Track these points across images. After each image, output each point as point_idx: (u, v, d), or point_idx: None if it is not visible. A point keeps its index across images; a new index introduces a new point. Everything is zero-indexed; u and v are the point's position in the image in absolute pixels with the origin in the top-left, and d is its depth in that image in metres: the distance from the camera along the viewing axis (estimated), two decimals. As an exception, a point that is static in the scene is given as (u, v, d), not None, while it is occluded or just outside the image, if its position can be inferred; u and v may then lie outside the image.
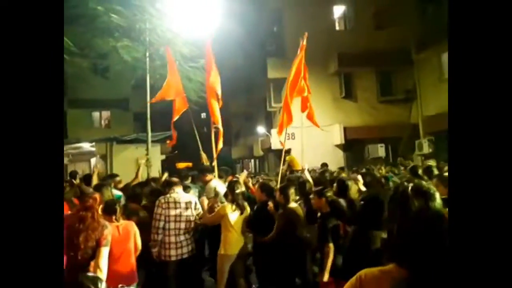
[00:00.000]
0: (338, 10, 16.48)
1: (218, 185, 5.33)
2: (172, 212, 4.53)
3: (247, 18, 17.80)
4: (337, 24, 16.56)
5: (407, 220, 1.43)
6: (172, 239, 4.52)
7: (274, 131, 16.27)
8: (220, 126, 6.61)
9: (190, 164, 25.45)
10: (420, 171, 5.54)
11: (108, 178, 5.99)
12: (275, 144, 15.70)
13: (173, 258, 4.51)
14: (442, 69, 13.74)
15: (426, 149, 13.62)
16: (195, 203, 4.79)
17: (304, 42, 6.79)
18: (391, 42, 14.95)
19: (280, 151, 16.03)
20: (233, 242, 4.50)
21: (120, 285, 3.10)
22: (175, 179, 5.01)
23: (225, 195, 4.76)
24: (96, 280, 1.75)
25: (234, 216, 4.52)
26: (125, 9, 8.19)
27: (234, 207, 4.54)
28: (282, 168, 7.01)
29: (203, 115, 32.28)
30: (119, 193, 5.13)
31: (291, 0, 15.64)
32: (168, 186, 4.76)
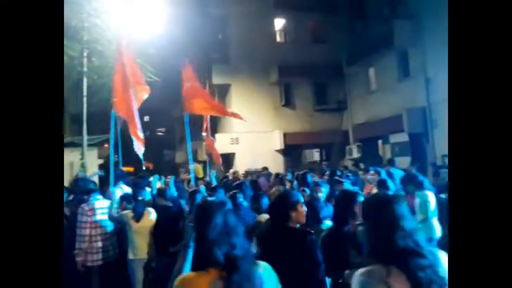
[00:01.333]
0: (279, 23, 16.65)
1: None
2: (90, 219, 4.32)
3: (192, 24, 17.41)
4: (278, 36, 16.71)
5: None
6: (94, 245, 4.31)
7: (218, 136, 15.95)
8: None
9: (131, 168, 24.23)
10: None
11: None
12: (220, 148, 15.44)
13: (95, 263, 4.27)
14: (369, 82, 14.46)
15: (355, 154, 14.17)
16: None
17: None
18: (326, 56, 15.52)
19: (225, 155, 15.88)
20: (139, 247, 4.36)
21: None
22: (92, 187, 4.84)
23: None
24: None
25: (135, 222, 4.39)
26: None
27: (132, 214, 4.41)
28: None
29: (146, 118, 31.09)
30: None
31: (235, 9, 15.50)
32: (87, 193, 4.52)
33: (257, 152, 14.49)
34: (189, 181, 6.85)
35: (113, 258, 4.41)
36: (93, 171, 7.72)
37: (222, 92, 16.84)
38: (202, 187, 5.79)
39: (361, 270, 1.42)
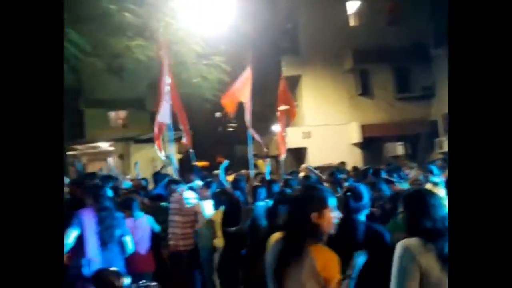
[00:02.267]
0: (352, 6, 15.97)
1: None
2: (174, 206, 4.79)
3: (260, 15, 17.57)
4: (351, 20, 16.03)
5: None
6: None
7: (289, 130, 15.92)
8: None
9: (206, 163, 25.38)
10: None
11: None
12: (291, 143, 15.39)
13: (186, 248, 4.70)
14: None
15: (447, 147, 13.02)
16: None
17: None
18: (408, 38, 14.52)
19: (296, 150, 15.79)
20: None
21: (141, 282, 3.24)
22: (178, 178, 5.48)
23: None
24: (119, 274, 1.93)
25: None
26: (138, 7, 8.02)
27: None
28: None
29: (218, 114, 32.24)
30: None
31: (305, -4, 15.24)
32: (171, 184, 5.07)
33: (331, 146, 14.17)
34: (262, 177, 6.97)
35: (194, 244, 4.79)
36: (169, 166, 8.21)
37: (293, 83, 16.73)
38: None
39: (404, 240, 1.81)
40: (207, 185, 4.87)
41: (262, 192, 4.38)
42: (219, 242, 4.49)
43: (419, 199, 1.89)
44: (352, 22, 16.00)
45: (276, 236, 1.96)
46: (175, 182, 5.07)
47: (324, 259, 1.77)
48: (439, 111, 14.31)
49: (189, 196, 4.73)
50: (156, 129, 6.49)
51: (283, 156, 7.74)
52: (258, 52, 19.41)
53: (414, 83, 15.27)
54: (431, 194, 1.94)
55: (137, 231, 4.03)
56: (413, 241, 1.78)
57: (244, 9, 12.83)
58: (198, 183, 5.70)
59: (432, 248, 1.72)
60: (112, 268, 2.32)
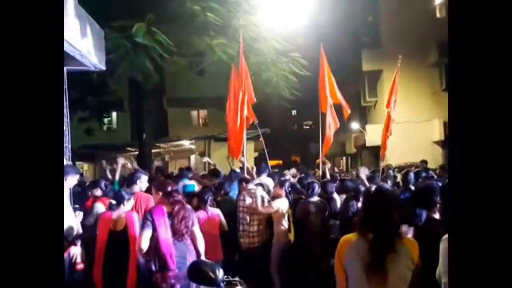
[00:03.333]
0: (441, -4, 15.31)
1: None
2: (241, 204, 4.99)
3: (340, 7, 17.47)
4: (437, 11, 15.41)
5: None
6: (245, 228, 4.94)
7: (369, 127, 15.81)
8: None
9: (280, 161, 25.72)
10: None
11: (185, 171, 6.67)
12: (370, 140, 15.26)
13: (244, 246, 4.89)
14: None
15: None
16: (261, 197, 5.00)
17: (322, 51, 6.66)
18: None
19: (375, 148, 15.55)
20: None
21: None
22: (247, 176, 5.57)
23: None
24: (215, 266, 1.95)
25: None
26: (221, 6, 8.41)
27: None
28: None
29: (294, 112, 32.57)
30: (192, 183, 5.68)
31: (388, -14, 15.01)
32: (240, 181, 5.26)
33: (412, 144, 13.85)
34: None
35: (266, 241, 4.91)
36: (250, 164, 8.56)
37: (373, 79, 16.55)
38: None
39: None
40: (280, 184, 5.00)
41: (315, 187, 4.74)
42: (291, 236, 4.80)
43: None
44: (438, 14, 15.40)
45: (350, 237, 2.09)
46: (246, 180, 5.24)
47: (416, 250, 2.01)
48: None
49: (263, 195, 4.90)
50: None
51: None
52: (337, 45, 19.47)
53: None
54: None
55: (209, 222, 4.32)
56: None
57: (323, 1, 12.84)
58: (264, 180, 5.79)
59: None
60: (207, 261, 2.35)
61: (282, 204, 4.74)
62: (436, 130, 14.44)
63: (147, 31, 7.91)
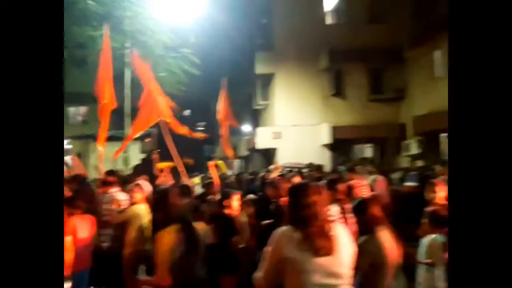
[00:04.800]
0: (330, 3, 16.50)
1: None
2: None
3: (235, 8, 17.70)
4: (328, 18, 16.51)
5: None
6: None
7: (260, 130, 16.39)
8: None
9: (171, 164, 25.01)
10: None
11: None
12: (261, 143, 15.85)
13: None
14: (433, 67, 14.06)
15: (414, 149, 13.93)
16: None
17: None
18: (384, 38, 15.11)
19: (266, 150, 16.18)
20: None
21: None
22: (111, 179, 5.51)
23: None
24: None
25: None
26: None
27: None
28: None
29: (187, 112, 32.13)
30: None
31: (281, -10, 15.69)
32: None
33: (301, 147, 14.63)
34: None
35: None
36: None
37: (265, 82, 17.13)
38: None
39: None
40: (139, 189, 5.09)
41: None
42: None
43: None
44: (329, 20, 16.49)
45: (284, 229, 2.27)
46: (108, 182, 5.32)
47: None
48: (408, 114, 15.20)
49: (122, 197, 5.03)
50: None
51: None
52: (232, 46, 19.77)
53: (386, 85, 16.00)
54: None
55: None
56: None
57: (217, 1, 12.91)
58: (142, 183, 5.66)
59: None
60: None
61: (135, 210, 4.69)
62: (324, 134, 15.37)
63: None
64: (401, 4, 15.09)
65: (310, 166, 10.87)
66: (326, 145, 15.46)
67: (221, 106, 8.67)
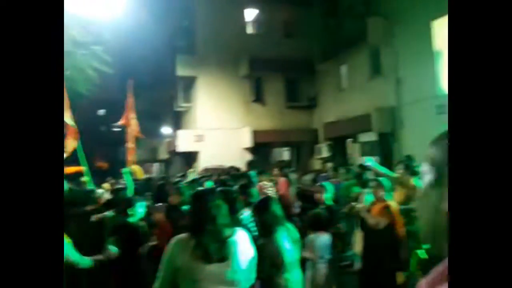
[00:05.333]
0: (250, 14, 17.27)
1: None
2: None
3: (156, 8, 17.50)
4: (249, 27, 17.31)
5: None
6: None
7: (181, 133, 16.48)
8: None
9: (80, 168, 23.45)
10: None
11: None
12: (182, 146, 15.94)
13: None
14: (341, 80, 15.66)
15: (325, 153, 15.34)
16: None
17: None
18: (299, 51, 16.45)
19: (188, 153, 16.29)
20: None
21: None
22: None
23: None
24: None
25: None
26: None
27: None
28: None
29: (102, 111, 30.66)
30: None
31: (204, -3, 15.94)
32: None
33: (223, 151, 15.02)
34: None
35: None
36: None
37: (187, 85, 17.25)
38: None
39: None
40: None
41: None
42: None
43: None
44: (249, 30, 17.33)
45: (180, 237, 2.30)
46: None
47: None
48: (320, 120, 16.76)
49: None
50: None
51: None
52: (153, 47, 19.48)
53: (301, 94, 17.45)
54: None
55: None
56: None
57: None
58: None
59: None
60: None
61: None
62: (246, 137, 15.96)
63: None
64: (311, 21, 16.52)
65: (231, 169, 11.17)
66: (247, 149, 16.03)
67: (127, 111, 7.99)
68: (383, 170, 6.13)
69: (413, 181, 5.36)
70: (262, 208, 3.16)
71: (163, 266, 2.22)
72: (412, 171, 5.62)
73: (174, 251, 2.22)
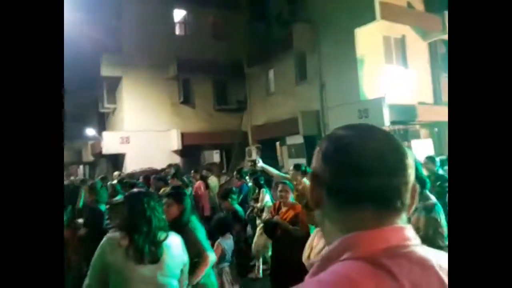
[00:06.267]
0: (179, 14, 17.16)
1: None
2: None
3: (83, 6, 16.68)
4: (177, 28, 17.19)
5: None
6: None
7: (106, 134, 15.82)
8: None
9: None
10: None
11: None
12: (107, 148, 15.31)
13: None
14: (268, 84, 16.11)
15: (255, 155, 15.61)
16: None
17: None
18: (227, 54, 16.55)
19: (114, 156, 15.67)
20: None
21: None
22: None
23: None
24: None
25: None
26: None
27: None
28: None
29: None
30: None
31: (132, -4, 15.54)
32: None
33: (151, 153, 14.77)
34: None
35: None
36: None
37: (113, 85, 16.66)
38: None
39: None
40: None
41: None
42: None
43: None
44: (178, 31, 17.21)
45: (111, 236, 2.33)
46: None
47: None
48: (249, 123, 17.12)
49: None
50: None
51: None
52: (76, 46, 18.43)
53: (230, 96, 17.66)
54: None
55: None
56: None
57: None
58: None
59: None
60: None
61: None
62: (174, 140, 15.81)
63: None
64: (240, 25, 16.76)
65: (162, 170, 11.01)
66: (176, 151, 15.90)
67: None
68: (274, 171, 6.52)
69: (304, 181, 5.72)
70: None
71: (93, 263, 2.23)
72: (302, 171, 5.97)
73: (106, 249, 2.23)
